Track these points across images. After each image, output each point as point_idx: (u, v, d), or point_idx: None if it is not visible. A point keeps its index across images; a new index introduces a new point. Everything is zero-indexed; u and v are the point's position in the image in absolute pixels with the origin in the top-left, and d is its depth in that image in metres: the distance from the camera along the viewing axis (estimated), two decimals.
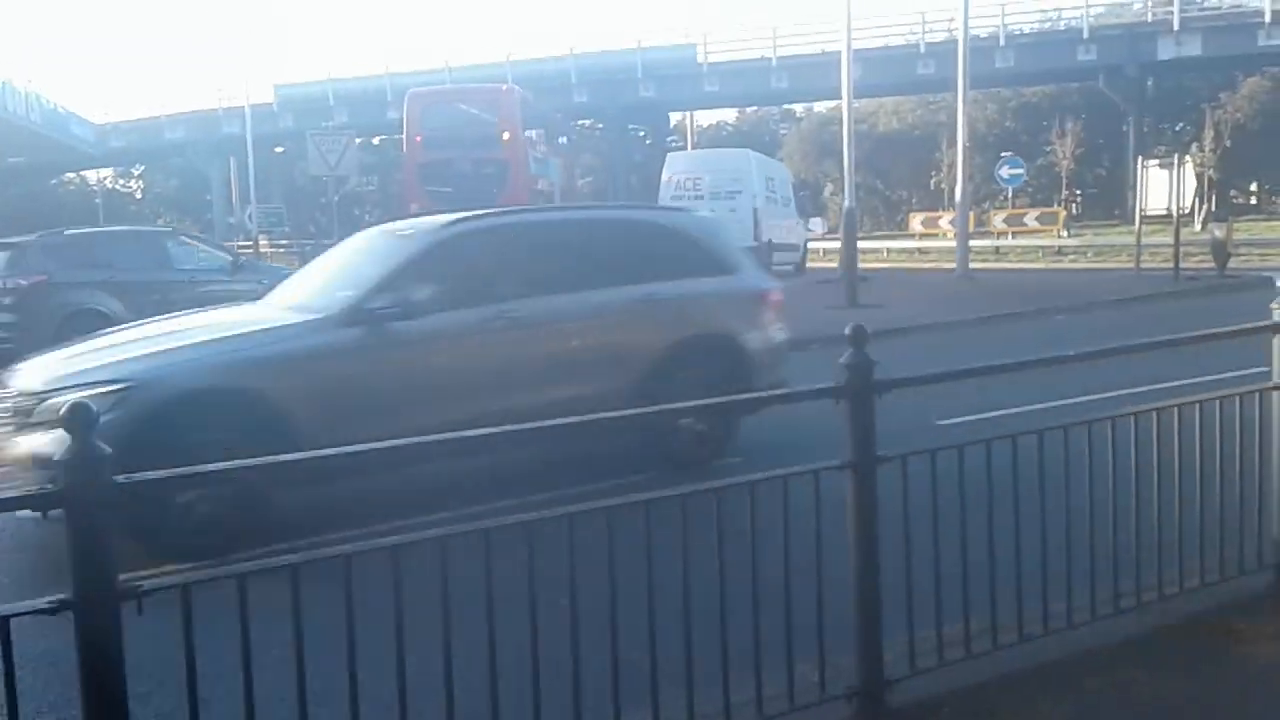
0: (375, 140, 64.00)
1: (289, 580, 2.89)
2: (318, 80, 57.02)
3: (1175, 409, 4.46)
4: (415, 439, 3.46)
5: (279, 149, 58.22)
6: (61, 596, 2.61)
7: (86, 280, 15.55)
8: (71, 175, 72.97)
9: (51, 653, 4.72)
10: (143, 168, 75.39)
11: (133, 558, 5.41)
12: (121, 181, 78.04)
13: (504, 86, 28.23)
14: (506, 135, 26.03)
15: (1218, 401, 4.56)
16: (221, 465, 3.12)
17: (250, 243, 37.63)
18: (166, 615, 4.39)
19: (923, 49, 47.46)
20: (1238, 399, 4.64)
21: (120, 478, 2.63)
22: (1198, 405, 4.50)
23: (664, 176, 26.90)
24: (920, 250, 38.91)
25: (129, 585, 2.66)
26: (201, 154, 58.71)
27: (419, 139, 25.70)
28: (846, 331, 3.73)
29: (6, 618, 2.61)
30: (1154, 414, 4.38)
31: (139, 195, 78.78)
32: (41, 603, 2.63)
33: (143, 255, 16.72)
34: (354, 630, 2.95)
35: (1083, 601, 4.19)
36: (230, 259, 17.87)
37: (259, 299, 8.60)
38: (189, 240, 18.96)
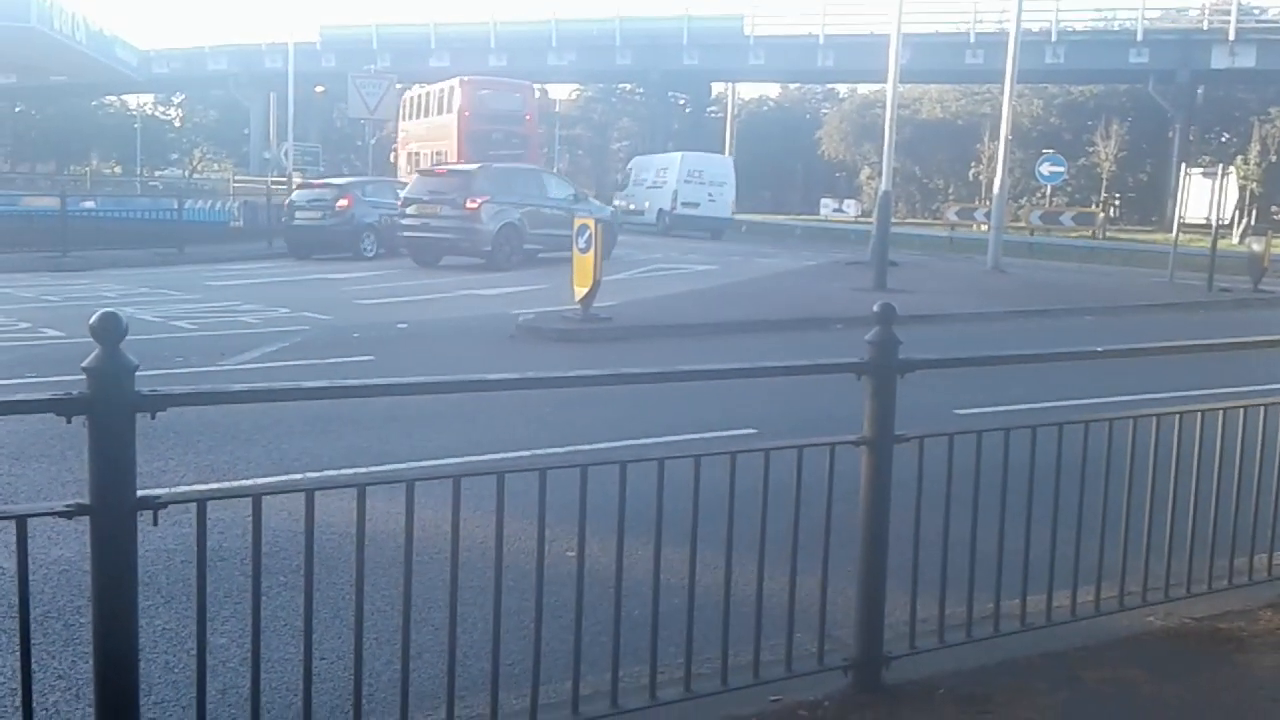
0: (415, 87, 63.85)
1: (304, 503, 2.91)
2: (363, 24, 56.84)
3: (1198, 414, 4.43)
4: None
5: (320, 88, 58.08)
6: (79, 501, 2.64)
7: (506, 202, 21.76)
8: (112, 99, 73.14)
9: (64, 560, 4.81)
10: (183, 96, 75.38)
11: (146, 474, 5.48)
12: (161, 109, 78.13)
13: (528, 83, 37.17)
14: (529, 116, 35.18)
15: (1242, 410, 4.53)
16: (247, 387, 3.14)
17: (285, 179, 37.69)
18: (180, 534, 4.45)
19: (973, 39, 46.85)
20: (1262, 409, 4.61)
21: (144, 390, 2.65)
22: (1221, 412, 4.47)
23: (677, 165, 37.68)
24: (953, 241, 38.59)
25: (147, 495, 2.69)
26: (243, 87, 58.71)
27: (467, 114, 32.81)
28: (874, 309, 3.72)
29: (24, 517, 2.64)
30: (1176, 417, 4.36)
31: (178, 124, 78.86)
32: (59, 505, 2.67)
33: (533, 186, 23.13)
34: (362, 559, 2.98)
35: (1088, 596, 4.19)
36: (574, 192, 24.24)
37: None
38: (554, 177, 25.60)
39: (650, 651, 3.41)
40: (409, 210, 22.25)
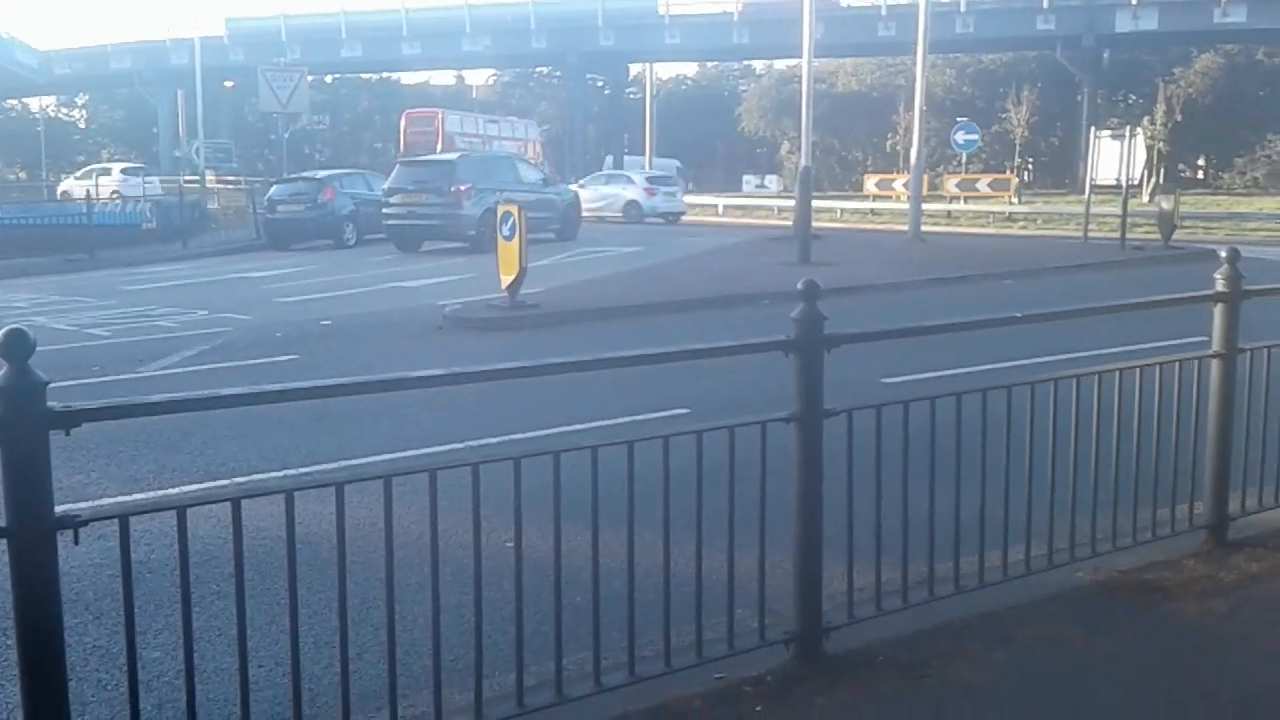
0: (328, 79, 62.75)
1: (231, 513, 2.85)
2: (270, 15, 55.94)
3: (1117, 373, 4.53)
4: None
5: (229, 83, 56.82)
6: None
7: (486, 187, 22.80)
8: (13, 102, 70.82)
9: None
10: (87, 97, 73.25)
11: (67, 489, 5.33)
12: (65, 110, 75.84)
13: (439, 109, 48.24)
14: (436, 128, 46.20)
15: (1158, 367, 4.64)
16: (164, 397, 3.07)
17: (196, 178, 36.84)
18: (106, 549, 4.35)
19: (884, 11, 47.35)
20: (1178, 365, 4.74)
21: (56, 405, 2.58)
22: (1138, 370, 4.58)
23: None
24: (873, 211, 39.03)
25: (66, 514, 2.62)
26: (149, 85, 57.18)
27: (406, 129, 45.32)
28: (798, 286, 3.74)
29: None
30: (1096, 377, 4.46)
31: (83, 125, 76.64)
32: None
33: (508, 173, 24.86)
34: (294, 564, 2.93)
35: (1018, 556, 4.28)
36: (544, 176, 26.74)
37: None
38: (525, 163, 27.81)
39: (593, 638, 3.41)
40: (393, 199, 23.25)
